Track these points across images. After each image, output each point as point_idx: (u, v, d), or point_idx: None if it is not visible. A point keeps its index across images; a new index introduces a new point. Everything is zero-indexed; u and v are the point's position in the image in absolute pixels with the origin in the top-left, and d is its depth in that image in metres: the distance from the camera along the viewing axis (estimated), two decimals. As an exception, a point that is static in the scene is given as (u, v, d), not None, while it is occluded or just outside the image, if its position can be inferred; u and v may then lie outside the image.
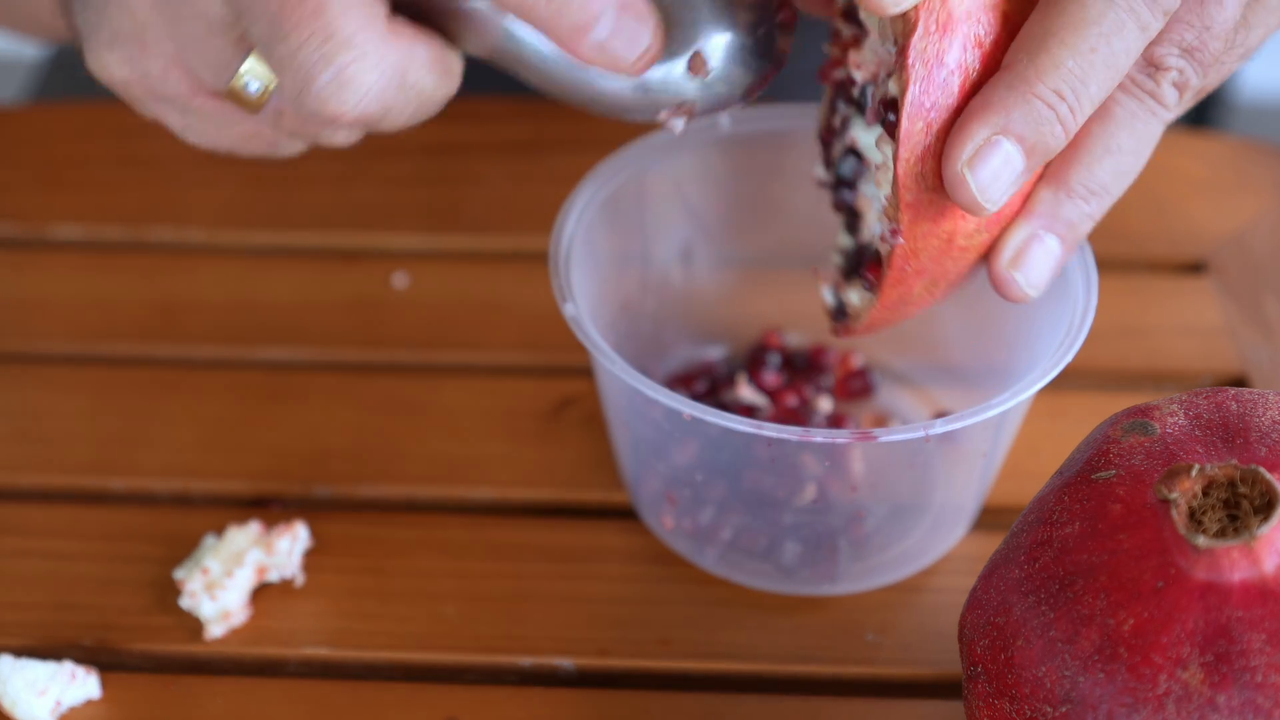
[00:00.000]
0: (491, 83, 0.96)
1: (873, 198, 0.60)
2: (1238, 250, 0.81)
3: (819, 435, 0.58)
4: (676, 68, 0.55)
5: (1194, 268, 0.81)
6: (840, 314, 0.61)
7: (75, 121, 0.89)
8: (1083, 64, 0.53)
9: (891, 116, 0.54)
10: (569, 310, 0.61)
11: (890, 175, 0.54)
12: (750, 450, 0.61)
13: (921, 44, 0.53)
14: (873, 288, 0.58)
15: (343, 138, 0.59)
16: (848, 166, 0.61)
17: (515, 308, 0.78)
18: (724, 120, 0.69)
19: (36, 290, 0.80)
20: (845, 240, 0.62)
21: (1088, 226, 0.58)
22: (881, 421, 0.72)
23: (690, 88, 0.56)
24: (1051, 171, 0.57)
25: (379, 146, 0.86)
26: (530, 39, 0.54)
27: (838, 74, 0.60)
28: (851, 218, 0.61)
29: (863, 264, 0.60)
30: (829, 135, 0.61)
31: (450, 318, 0.78)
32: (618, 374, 0.59)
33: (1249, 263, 0.80)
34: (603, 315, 0.66)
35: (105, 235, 0.83)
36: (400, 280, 0.80)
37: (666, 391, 0.58)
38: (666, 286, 0.72)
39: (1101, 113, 0.56)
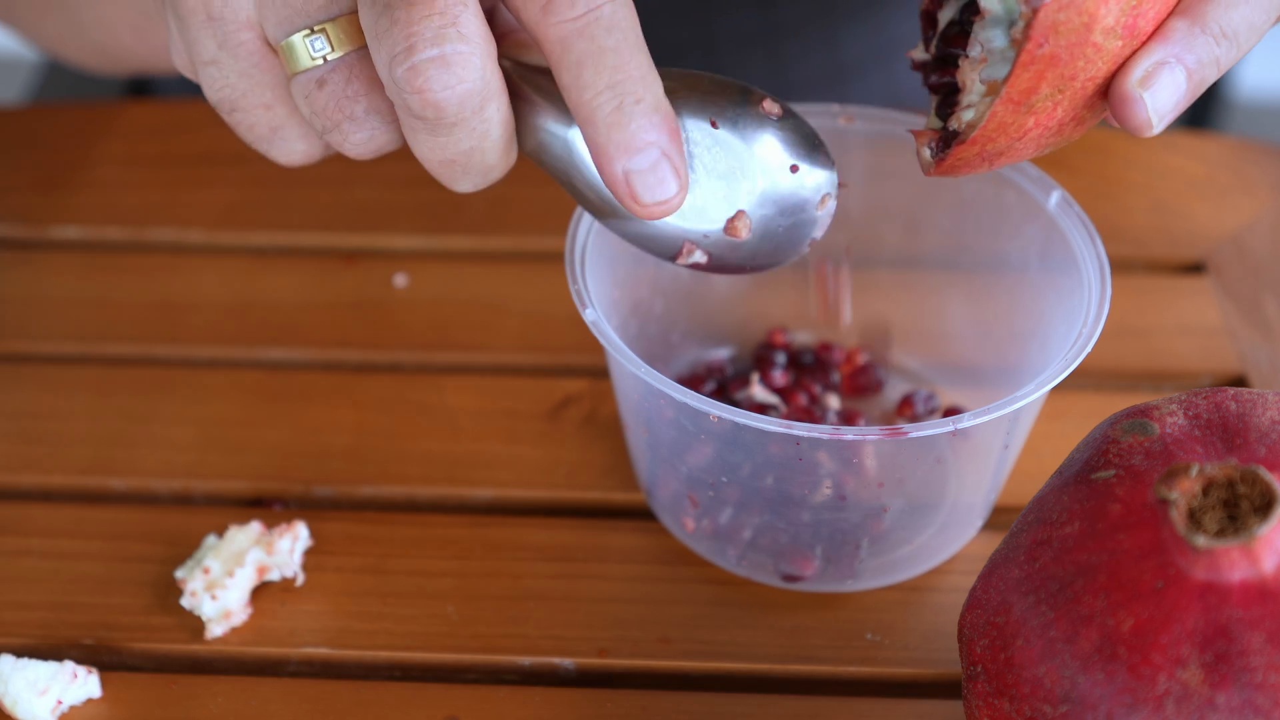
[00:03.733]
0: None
1: (975, 70, 0.59)
2: (1237, 250, 0.81)
3: (850, 433, 0.58)
4: (717, 220, 0.58)
5: (1193, 268, 0.81)
6: (946, 142, 0.59)
7: (75, 121, 0.89)
8: None
9: None
10: (589, 316, 0.61)
11: None
12: (773, 449, 0.61)
13: None
14: (995, 93, 0.56)
15: (363, 137, 0.58)
16: (954, 27, 0.59)
17: (515, 308, 0.78)
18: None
19: (36, 290, 0.80)
20: (936, 123, 0.60)
21: (1212, 73, 0.57)
22: (891, 418, 0.72)
23: (717, 244, 0.58)
24: (1187, 6, 0.57)
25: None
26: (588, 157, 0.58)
27: None
28: (947, 99, 0.60)
29: (953, 138, 0.58)
30: (934, 6, 0.60)
31: (451, 318, 0.78)
32: (642, 377, 0.59)
33: (1248, 263, 0.81)
34: (614, 318, 0.66)
35: (105, 235, 0.83)
36: (400, 280, 0.80)
37: (695, 395, 0.58)
38: (676, 288, 0.72)
39: None
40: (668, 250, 0.59)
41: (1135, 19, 0.55)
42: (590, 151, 0.55)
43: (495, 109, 0.56)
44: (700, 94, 0.57)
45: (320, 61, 0.56)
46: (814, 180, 0.58)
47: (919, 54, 0.61)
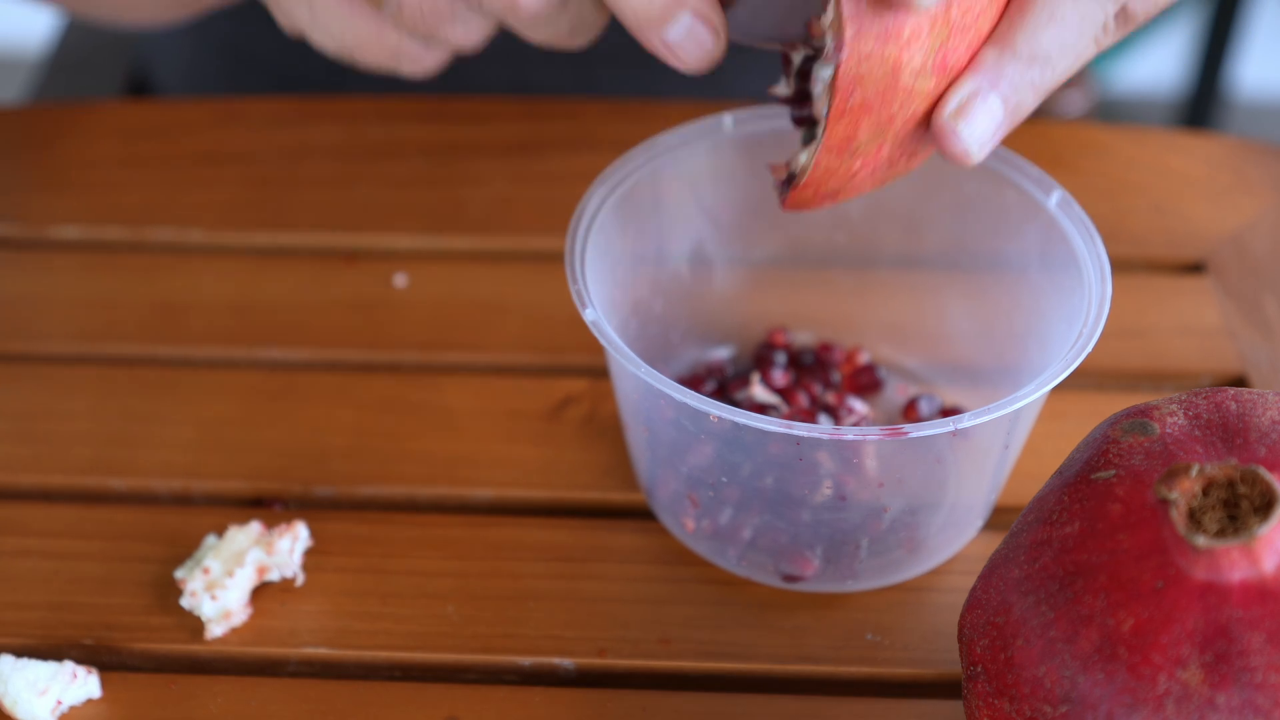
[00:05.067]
0: (491, 83, 0.96)
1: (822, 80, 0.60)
2: (1237, 250, 0.81)
3: (850, 433, 0.58)
4: None
5: (1193, 268, 0.81)
6: (788, 182, 0.61)
7: (75, 121, 0.89)
8: None
9: None
10: (590, 316, 0.61)
11: None
12: (773, 449, 0.61)
13: None
14: (819, 127, 0.58)
15: (464, 31, 0.61)
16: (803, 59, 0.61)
17: (515, 308, 0.78)
18: (726, 121, 0.69)
19: (36, 290, 0.80)
20: (803, 158, 0.62)
21: (1029, 97, 0.58)
22: (893, 419, 0.72)
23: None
24: (997, 34, 0.57)
25: (379, 147, 0.86)
26: None
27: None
28: (810, 132, 0.61)
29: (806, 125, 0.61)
30: (790, 48, 0.62)
31: (450, 318, 0.78)
32: (642, 377, 0.59)
33: (1248, 263, 0.81)
34: (615, 318, 0.66)
35: (105, 235, 0.83)
36: (400, 280, 0.80)
37: (695, 395, 0.58)
38: (676, 288, 0.72)
39: None
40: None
41: (945, 56, 0.57)
42: (627, 28, 0.57)
43: None
44: None
45: None
46: None
47: (781, 90, 0.62)
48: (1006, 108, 0.58)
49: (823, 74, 0.57)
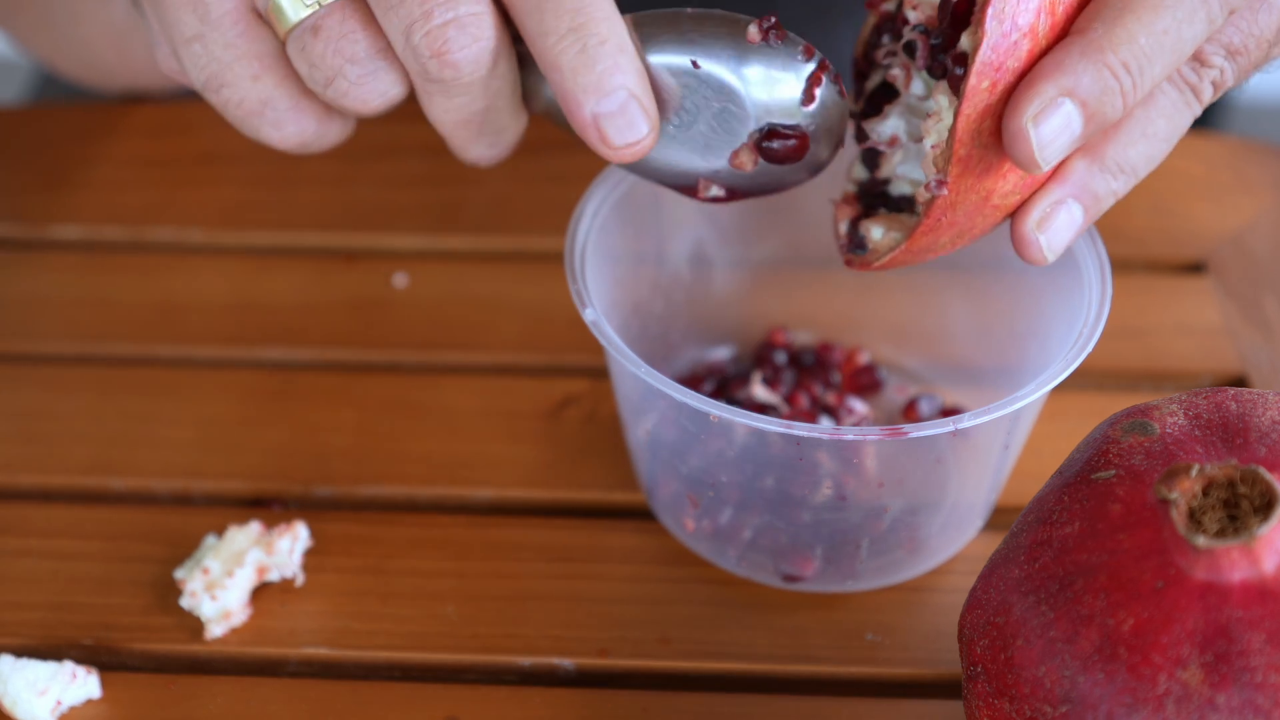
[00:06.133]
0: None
1: (900, 137, 0.61)
2: (1237, 250, 0.81)
3: (850, 433, 0.58)
4: (721, 158, 0.58)
5: (1194, 268, 0.81)
6: (857, 247, 0.62)
7: (75, 121, 0.89)
8: (1154, 43, 0.54)
9: (959, 70, 0.55)
10: (590, 316, 0.61)
11: (947, 127, 0.56)
12: (774, 449, 0.61)
13: (1000, 3, 0.54)
14: (904, 231, 0.59)
15: (370, 85, 0.57)
16: (880, 101, 0.62)
17: (515, 308, 0.78)
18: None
19: (36, 290, 0.80)
20: (860, 172, 0.63)
21: (1110, 203, 0.59)
22: (893, 419, 0.72)
23: (729, 176, 0.59)
24: (1088, 145, 0.58)
25: (379, 147, 0.86)
26: None
27: (886, 5, 0.62)
28: (871, 151, 0.62)
29: (888, 203, 0.61)
30: (865, 66, 0.62)
31: (450, 318, 0.78)
32: (642, 377, 0.59)
33: (1248, 263, 0.81)
34: (615, 318, 0.66)
35: (105, 235, 0.83)
36: (400, 280, 0.80)
37: (695, 395, 0.58)
38: (677, 288, 0.72)
39: (1144, 98, 0.57)
40: (686, 186, 0.59)
41: (1033, 179, 0.58)
42: (558, 98, 0.55)
43: (506, 66, 0.56)
44: (679, 34, 0.57)
45: (315, 7, 0.56)
46: (816, 101, 0.58)
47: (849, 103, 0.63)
48: (1087, 215, 0.59)
49: (918, 188, 0.59)
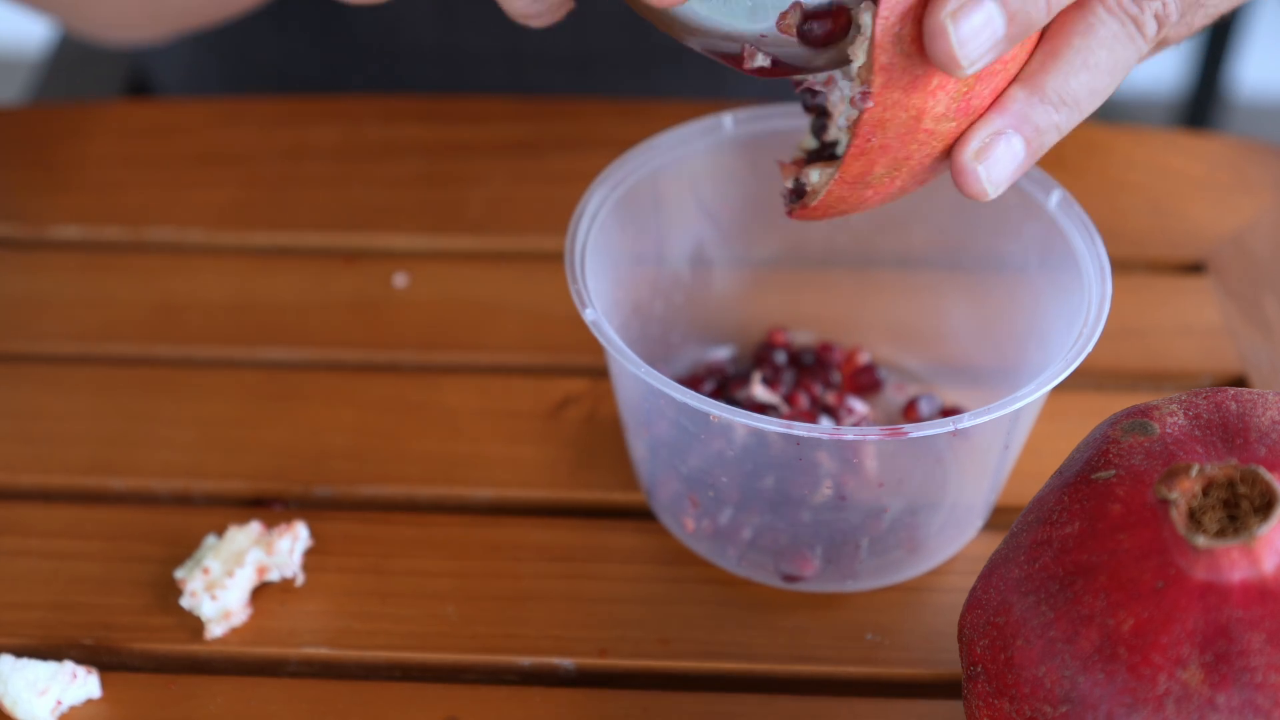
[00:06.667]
0: (491, 82, 0.96)
1: (843, 99, 0.60)
2: (1237, 250, 0.81)
3: (850, 433, 0.58)
4: (769, 19, 0.56)
5: (1193, 268, 0.81)
6: (797, 195, 0.60)
7: (75, 121, 0.89)
8: None
9: None
10: (590, 316, 0.61)
11: (868, 38, 0.54)
12: (773, 449, 0.61)
13: None
14: (837, 160, 0.57)
15: None
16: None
17: (515, 308, 0.78)
18: (726, 121, 0.69)
19: (36, 290, 0.80)
20: (811, 143, 0.61)
21: (1053, 138, 0.58)
22: (893, 419, 0.72)
23: (776, 43, 0.57)
24: (1027, 74, 0.57)
25: (379, 147, 0.86)
26: None
27: None
28: (820, 120, 0.61)
29: (826, 150, 0.59)
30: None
31: (450, 318, 0.78)
32: (642, 377, 0.59)
33: (1248, 263, 0.81)
34: (615, 318, 0.66)
35: (105, 235, 0.83)
36: (400, 280, 0.80)
37: (695, 395, 0.58)
38: (676, 288, 0.72)
39: (1084, 28, 0.56)
40: (731, 55, 0.57)
41: (969, 101, 0.56)
42: None
43: None
44: None
45: None
46: None
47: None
48: (1029, 149, 0.57)
49: (846, 110, 0.57)
